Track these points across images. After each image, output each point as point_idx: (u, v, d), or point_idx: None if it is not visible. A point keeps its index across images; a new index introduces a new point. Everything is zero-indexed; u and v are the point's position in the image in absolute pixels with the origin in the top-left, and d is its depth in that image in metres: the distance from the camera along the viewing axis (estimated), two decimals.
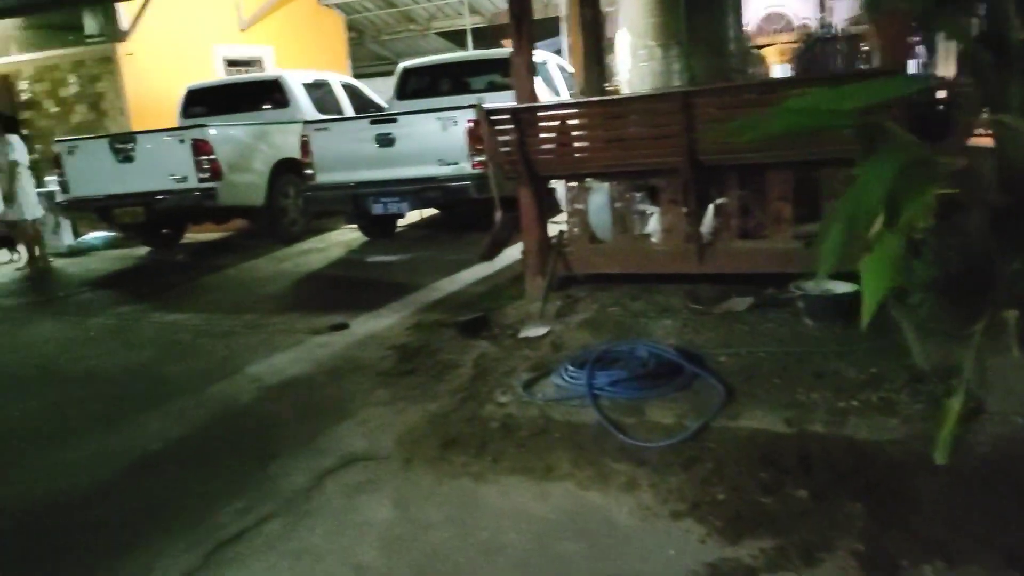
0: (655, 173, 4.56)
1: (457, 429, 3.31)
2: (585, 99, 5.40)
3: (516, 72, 4.73)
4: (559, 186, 5.27)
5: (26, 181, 8.32)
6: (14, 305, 6.65)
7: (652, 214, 4.84)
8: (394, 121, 7.06)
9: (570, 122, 4.51)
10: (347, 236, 8.70)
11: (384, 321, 5.09)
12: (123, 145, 7.76)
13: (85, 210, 8.09)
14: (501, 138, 4.56)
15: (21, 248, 8.81)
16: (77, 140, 8.18)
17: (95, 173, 7.88)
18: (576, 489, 2.79)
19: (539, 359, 3.91)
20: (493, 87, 8.27)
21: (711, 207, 4.63)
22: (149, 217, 7.84)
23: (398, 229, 8.61)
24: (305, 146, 7.36)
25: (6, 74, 10.48)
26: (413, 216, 8.84)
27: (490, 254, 4.96)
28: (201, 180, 7.51)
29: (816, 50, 12.50)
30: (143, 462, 3.36)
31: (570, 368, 3.50)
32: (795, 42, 14.01)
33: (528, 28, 4.61)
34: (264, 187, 8.18)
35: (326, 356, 4.49)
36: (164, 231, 8.98)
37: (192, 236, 9.47)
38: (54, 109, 10.40)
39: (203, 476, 3.19)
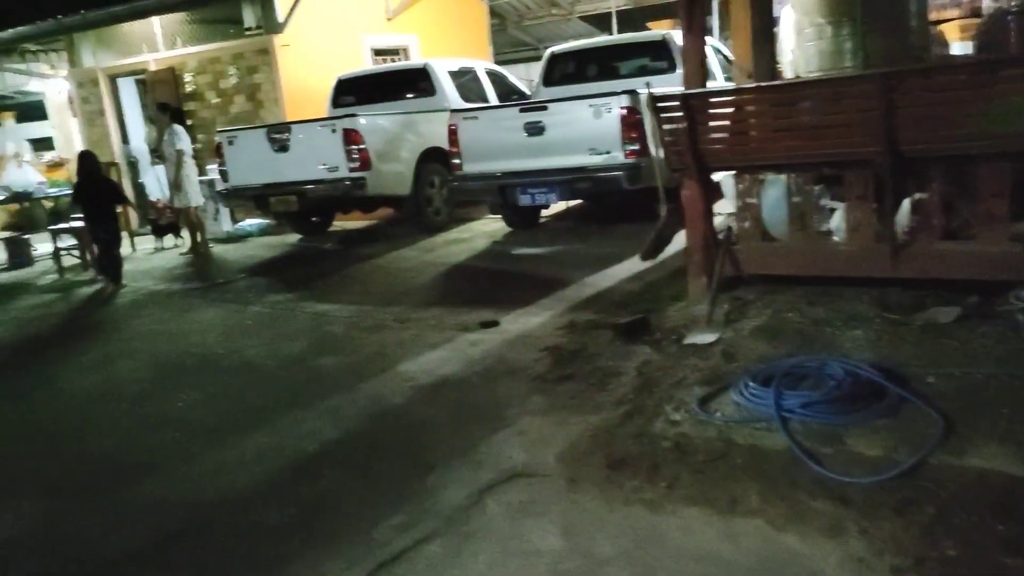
0: (839, 164, 4.08)
1: (624, 447, 3.04)
2: (763, 83, 4.94)
3: (686, 54, 4.36)
4: (723, 178, 4.86)
5: (190, 170, 8.69)
6: (179, 290, 6.91)
7: (835, 210, 4.35)
8: (544, 109, 6.81)
9: (747, 108, 4.10)
10: (490, 226, 8.57)
11: (535, 319, 4.87)
12: (278, 135, 7.93)
13: (243, 198, 8.36)
14: (667, 126, 4.21)
15: (185, 233, 9.25)
16: (236, 130, 8.45)
17: (252, 162, 8.11)
18: (769, 529, 2.45)
19: (711, 370, 3.56)
20: (645, 71, 7.87)
21: (906, 203, 4.10)
22: (302, 206, 7.99)
23: (542, 220, 8.39)
24: (452, 135, 7.26)
25: (173, 67, 11.03)
26: (557, 206, 8.60)
27: (654, 251, 4.63)
28: (351, 169, 7.56)
29: (1009, 25, 11.22)
30: (299, 464, 3.29)
31: (752, 385, 3.14)
32: (973, 17, 12.69)
33: (701, 6, 4.22)
34: (411, 176, 8.16)
35: (478, 355, 4.31)
36: (314, 219, 9.16)
37: (340, 224, 9.63)
38: (215, 100, 10.86)
39: (359, 483, 3.07)
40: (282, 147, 7.93)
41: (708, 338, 3.88)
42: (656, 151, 4.80)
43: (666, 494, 2.70)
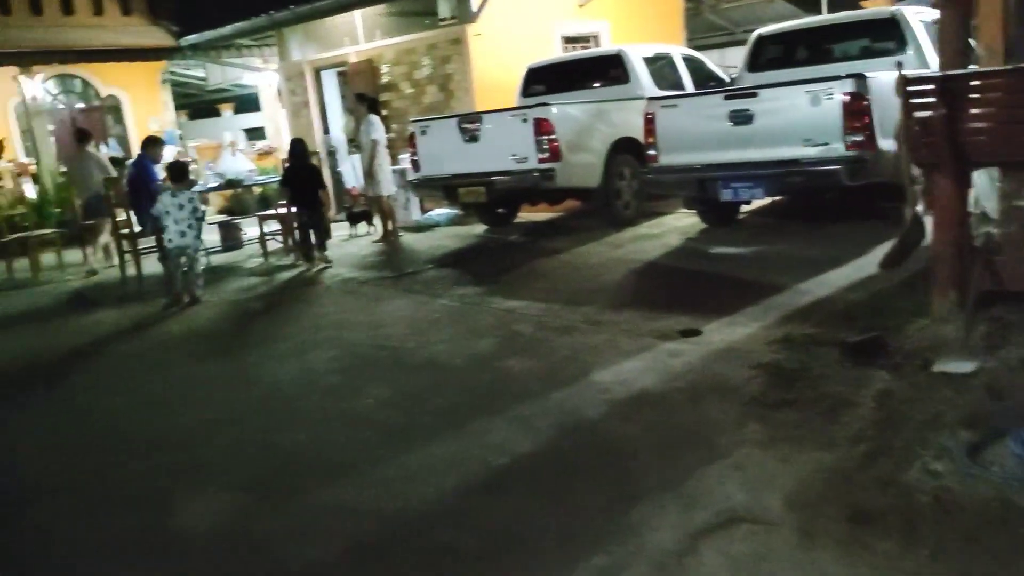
0: None
1: (869, 497, 2.55)
2: None
3: (944, 32, 3.70)
4: (978, 176, 4.12)
5: (384, 159, 8.85)
6: (371, 279, 7.00)
7: None
8: (753, 96, 6.22)
9: None
10: (682, 221, 8.07)
11: (742, 329, 4.39)
12: (469, 125, 7.86)
13: (433, 188, 8.38)
14: (919, 114, 3.58)
15: (377, 221, 9.47)
16: (429, 120, 8.49)
17: (443, 152, 8.11)
18: None
19: (973, 409, 2.96)
20: (867, 54, 7.04)
21: None
22: (489, 197, 7.89)
23: (740, 216, 7.78)
24: (648, 124, 6.83)
25: (371, 59, 11.36)
26: (757, 202, 7.95)
27: (898, 260, 4.00)
28: (540, 160, 7.34)
29: None
30: (487, 479, 3.06)
31: None
32: None
33: None
34: (601, 168, 7.83)
35: (680, 369, 3.91)
36: (500, 210, 9.06)
37: (524, 215, 9.48)
38: (409, 90, 11.07)
39: (553, 509, 2.78)
40: (472, 137, 7.85)
41: (965, 367, 3.25)
42: (897, 143, 4.15)
43: (929, 566, 2.20)
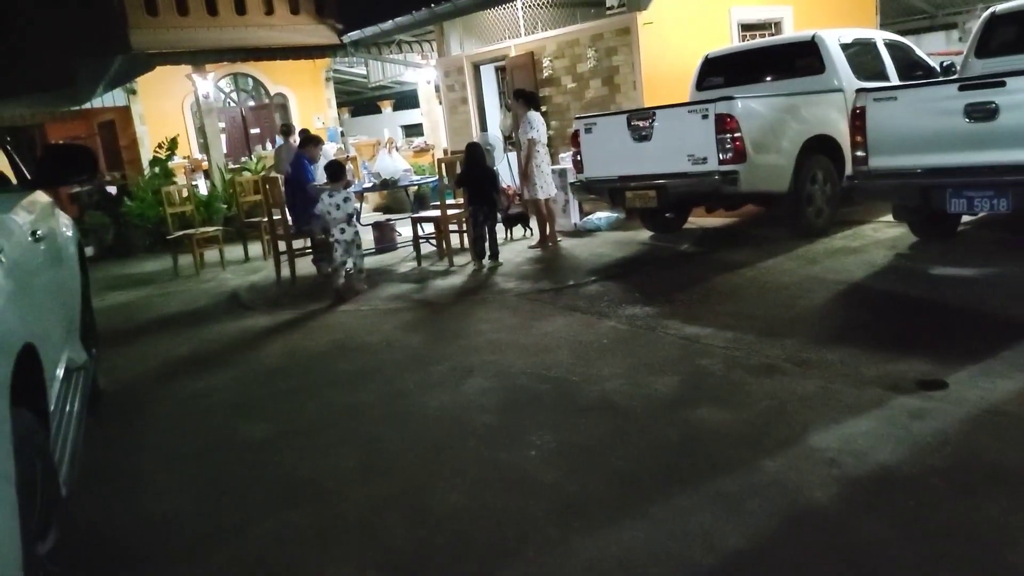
0: None
1: None
2: None
3: None
4: None
5: (543, 159, 8.26)
6: (528, 291, 6.41)
7: None
8: (999, 85, 5.10)
9: None
10: (885, 232, 6.96)
11: (1005, 383, 3.42)
12: (640, 122, 7.10)
13: (597, 191, 7.69)
14: None
15: (534, 225, 8.91)
16: (596, 117, 7.80)
17: (610, 152, 7.41)
18: None
19: None
20: None
21: None
22: (661, 202, 7.11)
23: (960, 228, 6.58)
24: (858, 120, 5.81)
25: (532, 51, 10.82)
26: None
27: None
28: (722, 161, 6.48)
29: None
30: None
31: None
32: None
33: None
34: (791, 170, 6.86)
35: (930, 438, 3.02)
36: (667, 215, 8.24)
37: (694, 220, 8.62)
38: (570, 85, 10.44)
39: None
40: (643, 135, 7.09)
41: None
42: None
43: None
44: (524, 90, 8.79)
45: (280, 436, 3.89)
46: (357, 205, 7.52)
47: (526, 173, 8.30)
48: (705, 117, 6.54)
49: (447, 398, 4.12)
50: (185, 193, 13.18)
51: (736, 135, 6.41)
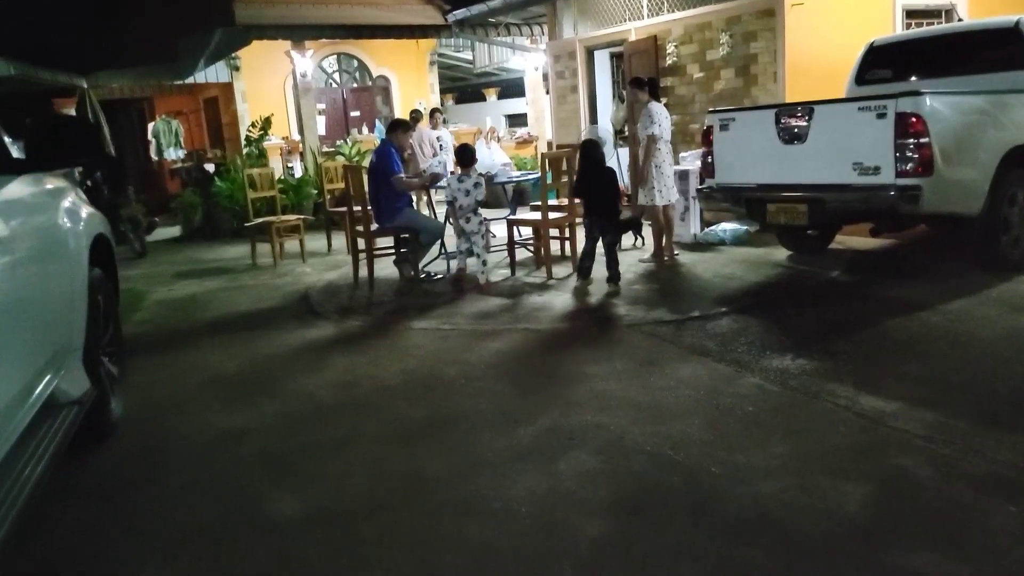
0: None
1: None
2: None
3: None
4: None
5: (664, 159, 7.06)
6: (641, 321, 5.26)
7: None
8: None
9: None
10: None
11: None
12: (793, 119, 5.80)
13: (731, 201, 6.42)
14: None
15: (647, 233, 7.73)
16: (733, 112, 6.53)
17: (751, 155, 6.14)
18: None
19: None
20: None
21: None
22: (813, 219, 5.80)
23: None
24: None
25: (655, 35, 9.58)
26: None
27: None
28: (902, 173, 5.14)
29: None
30: None
31: None
32: None
33: None
34: (986, 188, 5.44)
35: None
36: (810, 231, 6.89)
37: (841, 239, 7.24)
38: (697, 75, 9.16)
39: None
40: (795, 136, 5.79)
41: None
42: None
43: None
44: (644, 78, 7.56)
45: (312, 518, 2.90)
46: (483, 193, 6.62)
47: (643, 174, 7.12)
48: (882, 116, 5.20)
49: (538, 482, 3.04)
50: (279, 175, 12.65)
51: (923, 140, 5.06)
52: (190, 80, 16.73)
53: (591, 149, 6.36)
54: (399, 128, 7.02)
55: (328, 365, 4.76)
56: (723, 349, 4.51)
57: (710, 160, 6.50)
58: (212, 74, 16.20)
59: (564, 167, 6.97)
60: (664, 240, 7.21)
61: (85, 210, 3.73)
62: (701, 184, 6.71)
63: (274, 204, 9.31)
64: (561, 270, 6.99)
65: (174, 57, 13.68)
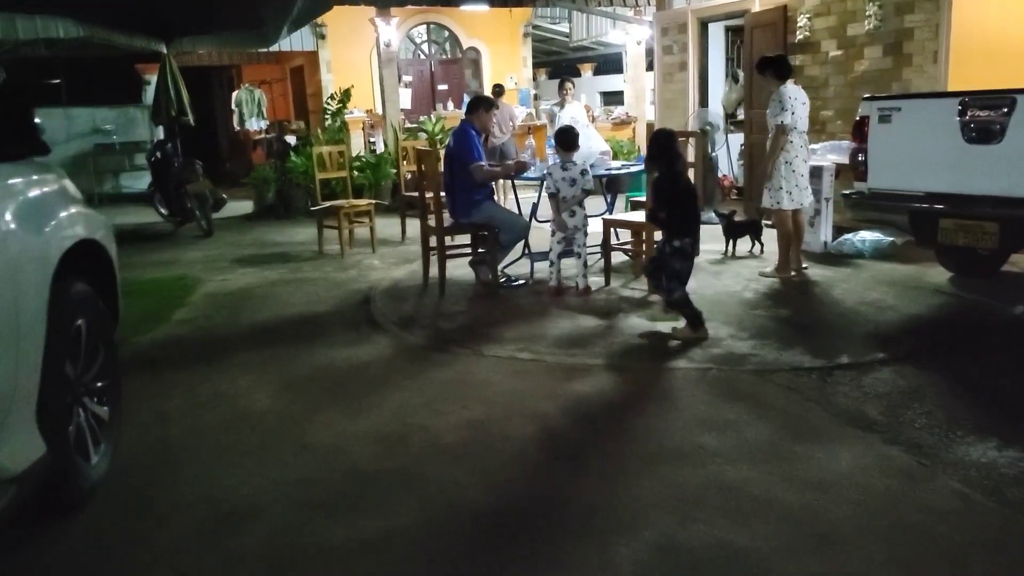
0: None
1: None
2: None
3: None
4: None
5: (797, 154, 5.84)
6: (773, 366, 4.13)
7: None
8: None
9: None
10: None
11: None
12: (985, 112, 4.51)
13: (890, 211, 5.16)
14: None
15: (766, 239, 6.54)
16: (900, 99, 5.26)
17: (921, 155, 4.88)
18: None
19: None
20: None
21: None
22: (1006, 242, 4.51)
23: None
24: None
25: (785, 5, 8.24)
26: None
27: None
28: None
29: None
30: None
31: None
32: None
33: None
34: None
35: None
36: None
37: (1016, 258, 5.88)
38: (833, 53, 7.80)
39: None
40: (986, 134, 4.51)
41: None
42: None
43: None
44: (776, 56, 6.28)
45: None
46: (591, 183, 5.59)
47: (768, 171, 5.92)
48: None
49: None
50: (360, 150, 11.88)
51: None
52: (276, 48, 16.16)
53: (662, 140, 4.63)
54: (480, 106, 5.99)
55: (374, 404, 3.83)
56: (892, 421, 3.36)
57: (863, 159, 5.25)
58: (298, 42, 15.56)
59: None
60: (792, 251, 6.00)
61: (62, 210, 2.87)
62: (849, 189, 5.45)
63: (347, 186, 8.46)
64: None
65: (257, 23, 13.07)
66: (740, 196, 9.70)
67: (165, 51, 11.57)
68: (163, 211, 10.09)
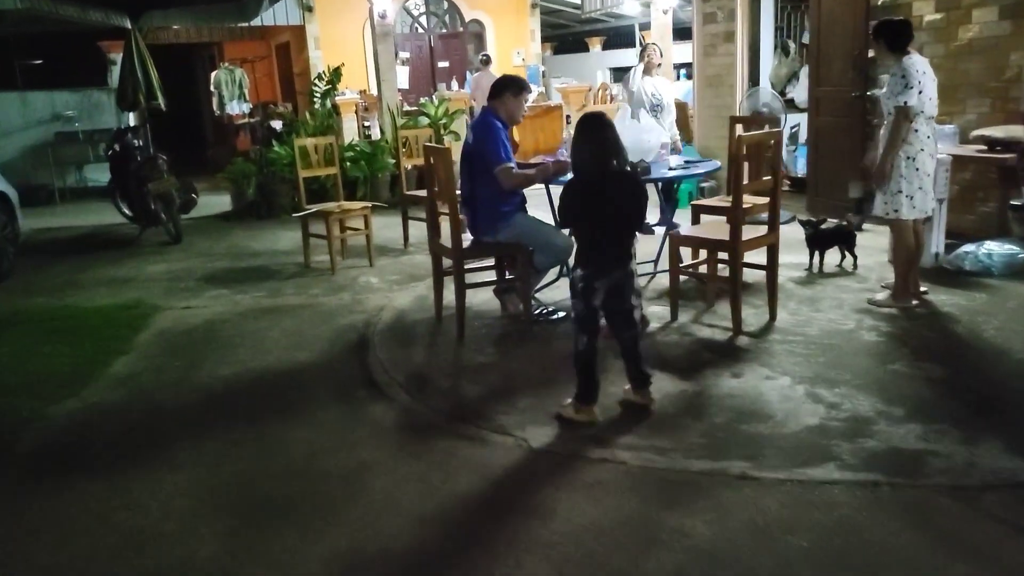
0: None
1: None
2: None
3: None
4: None
5: (922, 147, 4.47)
6: (958, 470, 2.79)
7: None
8: None
9: None
10: None
11: None
12: None
13: None
14: None
15: (861, 252, 5.20)
16: None
17: None
18: None
19: None
20: None
21: None
22: None
23: None
24: None
25: None
26: None
27: None
28: None
29: None
30: None
31: None
32: None
33: None
34: None
35: None
36: None
37: None
38: (931, 17, 6.38)
39: None
40: None
41: None
42: None
43: None
44: (896, 22, 4.80)
45: None
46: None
47: (883, 169, 4.53)
48: None
49: None
50: (352, 137, 10.46)
51: None
52: (259, 23, 14.61)
53: (597, 129, 3.29)
54: (508, 90, 4.55)
55: (378, 560, 2.47)
56: None
57: None
58: (282, 16, 14.05)
59: (768, 154, 4.43)
60: (908, 272, 4.65)
61: None
62: (1019, 199, 4.07)
63: (338, 183, 7.04)
64: (752, 313, 4.52)
65: None
66: (793, 189, 8.32)
67: (130, 26, 10.07)
68: (126, 211, 8.68)
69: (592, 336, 3.33)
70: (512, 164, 4.43)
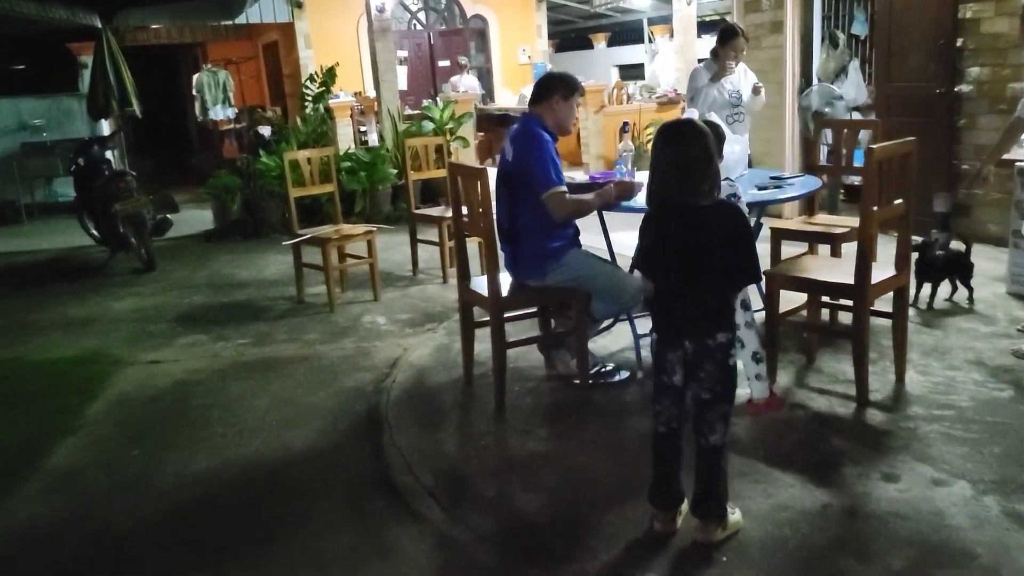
0: None
1: None
2: None
3: None
4: None
5: None
6: None
7: None
8: None
9: None
10: None
11: None
12: None
13: None
14: None
15: (979, 285, 4.21)
16: None
17: None
18: None
19: None
20: None
21: None
22: None
23: None
24: None
25: None
26: None
27: None
28: None
29: None
30: None
31: None
32: None
33: None
34: None
35: None
36: None
37: None
38: (993, 29, 5.44)
39: None
40: None
41: None
42: None
43: None
44: None
45: None
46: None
47: (982, 175, 3.53)
48: None
49: None
50: (348, 145, 9.43)
51: None
52: (244, 20, 13.55)
53: (684, 144, 2.34)
54: (556, 92, 3.54)
55: None
56: None
57: None
58: (269, 13, 13.00)
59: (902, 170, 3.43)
60: None
61: None
62: None
63: (335, 200, 5.99)
64: (876, 377, 3.52)
65: None
66: (847, 200, 7.35)
67: (100, 26, 9.04)
68: (93, 232, 7.65)
69: (668, 421, 2.38)
70: (564, 188, 3.42)
